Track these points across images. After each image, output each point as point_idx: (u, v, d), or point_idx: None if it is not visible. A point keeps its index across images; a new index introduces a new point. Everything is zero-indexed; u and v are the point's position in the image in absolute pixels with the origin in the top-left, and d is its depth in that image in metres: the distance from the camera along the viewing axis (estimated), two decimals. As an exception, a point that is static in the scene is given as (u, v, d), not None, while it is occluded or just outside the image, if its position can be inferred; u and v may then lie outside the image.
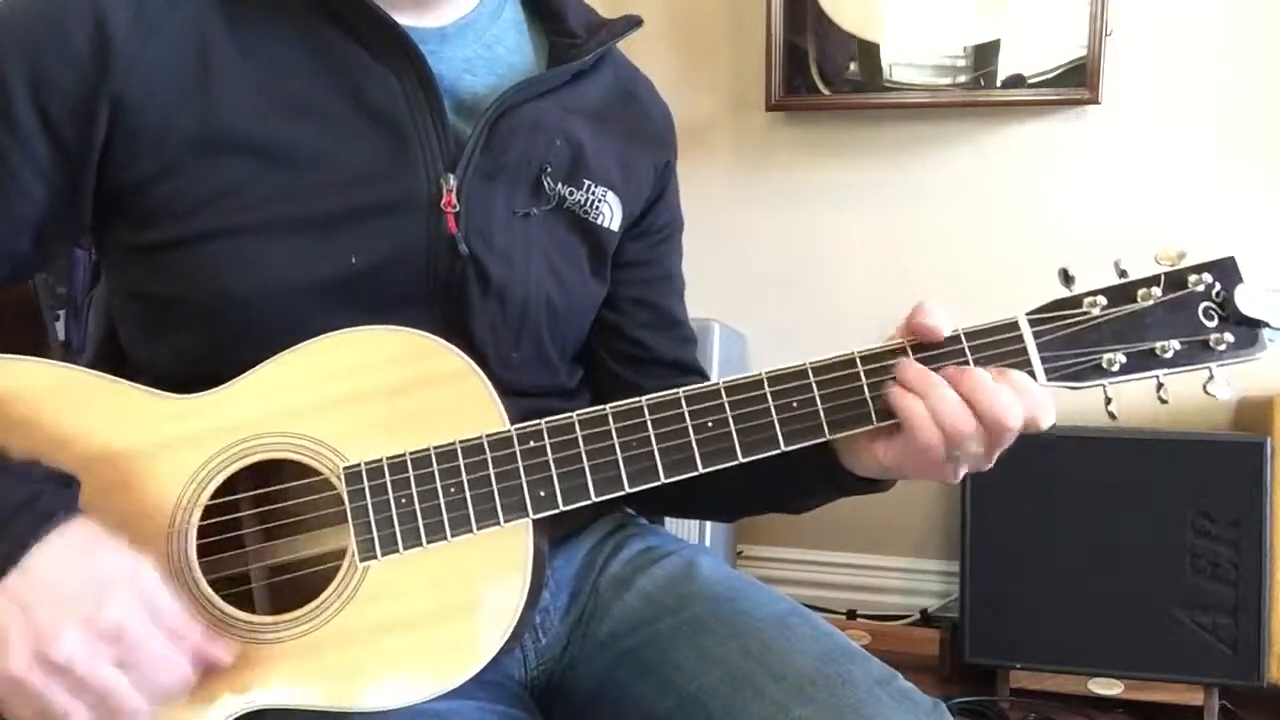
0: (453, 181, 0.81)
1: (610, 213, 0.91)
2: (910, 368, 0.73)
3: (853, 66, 2.17)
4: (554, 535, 0.83)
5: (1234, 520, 1.84)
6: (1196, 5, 2.06)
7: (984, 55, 2.10)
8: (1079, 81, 2.06)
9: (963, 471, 0.75)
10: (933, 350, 0.74)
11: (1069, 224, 2.15)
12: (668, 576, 0.91)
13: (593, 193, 0.89)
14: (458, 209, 0.81)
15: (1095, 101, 2.06)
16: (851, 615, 2.27)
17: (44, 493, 0.68)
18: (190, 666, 0.69)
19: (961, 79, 2.12)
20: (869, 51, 2.15)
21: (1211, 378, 0.74)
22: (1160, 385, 0.74)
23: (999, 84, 2.10)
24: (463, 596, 0.74)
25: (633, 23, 0.93)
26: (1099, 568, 1.89)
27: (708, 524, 1.99)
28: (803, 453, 0.76)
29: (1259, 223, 2.07)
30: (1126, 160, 2.12)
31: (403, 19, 0.81)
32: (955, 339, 0.74)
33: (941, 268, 2.21)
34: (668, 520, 1.13)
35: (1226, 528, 1.85)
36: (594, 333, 0.96)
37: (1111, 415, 0.75)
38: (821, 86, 2.19)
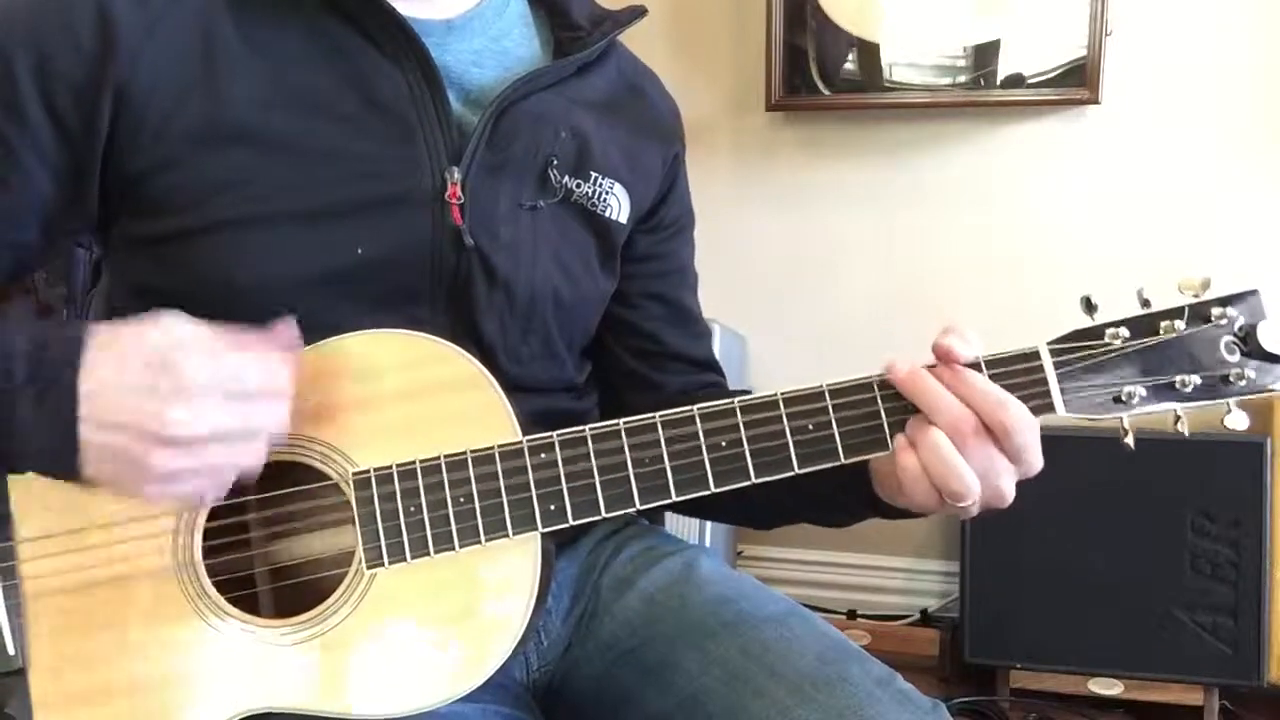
0: (457, 174, 0.81)
1: (618, 205, 0.91)
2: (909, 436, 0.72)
3: (852, 66, 2.17)
4: (556, 538, 0.83)
5: (1234, 520, 1.85)
6: (1196, 5, 2.06)
7: (984, 55, 2.10)
8: (1079, 81, 2.06)
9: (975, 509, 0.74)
10: None
11: (1069, 224, 2.15)
12: (668, 577, 0.91)
13: (599, 185, 0.89)
14: (462, 201, 0.81)
15: (1095, 101, 2.06)
16: (851, 615, 2.27)
17: (47, 328, 0.69)
18: (271, 358, 0.69)
19: (961, 79, 2.12)
20: (869, 51, 2.15)
21: (1229, 411, 0.73)
22: (1178, 418, 0.73)
23: (999, 84, 2.10)
24: (469, 606, 0.74)
25: (636, 13, 0.93)
26: (1099, 568, 1.90)
27: (708, 524, 1.99)
28: (847, 480, 0.76)
29: (1259, 223, 2.07)
30: (1126, 160, 2.12)
31: (408, 11, 0.81)
32: (976, 366, 0.73)
33: (941, 268, 2.21)
34: (668, 520, 1.13)
35: (1226, 528, 1.85)
36: (608, 328, 0.96)
37: (1127, 447, 0.74)
38: (821, 86, 2.19)
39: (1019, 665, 1.96)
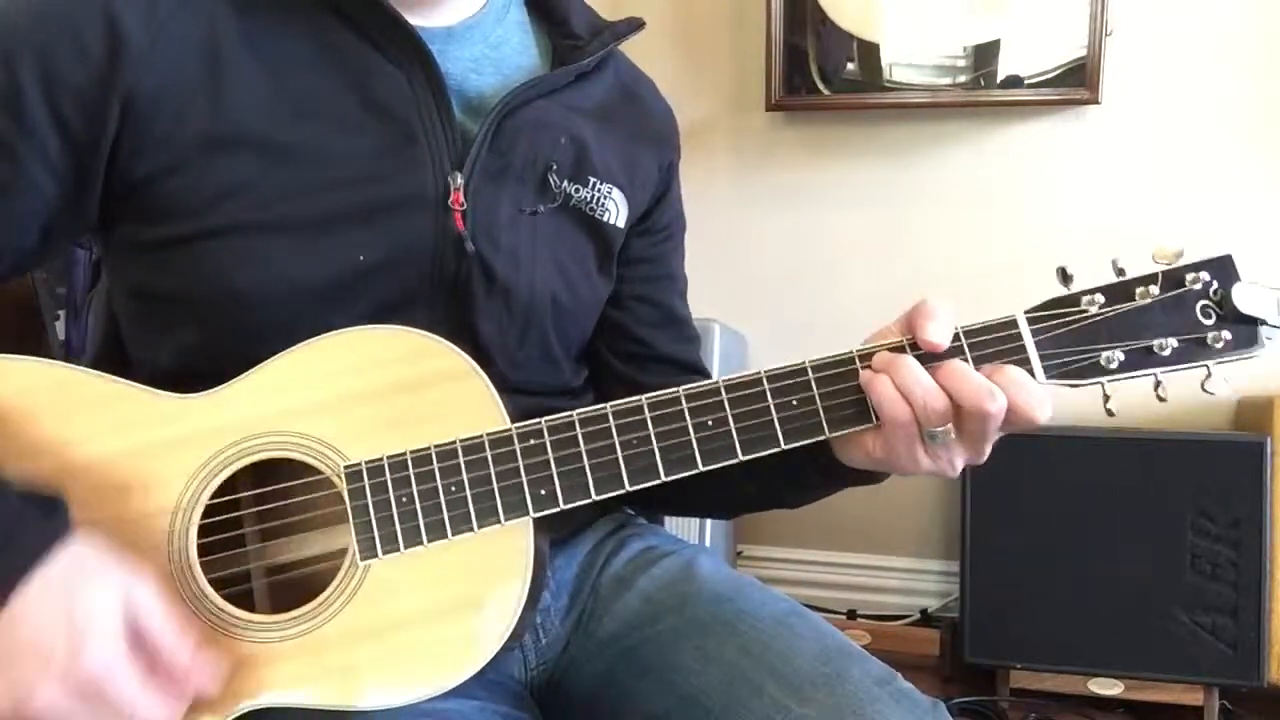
0: (460, 180, 0.81)
1: (616, 209, 0.91)
2: (881, 353, 0.74)
3: (852, 66, 2.17)
4: (555, 536, 0.83)
5: (1234, 520, 1.84)
6: (1196, 5, 2.06)
7: (984, 55, 2.10)
8: (1079, 81, 2.06)
9: (959, 463, 0.75)
10: None
11: (1069, 224, 2.15)
12: (668, 576, 0.91)
13: (598, 190, 0.90)
14: (465, 207, 0.81)
15: (1095, 101, 2.06)
16: (851, 615, 2.27)
17: (26, 525, 0.67)
18: (177, 704, 0.68)
19: (961, 79, 2.12)
20: (869, 51, 2.15)
21: (1209, 375, 0.74)
22: (1158, 383, 0.74)
23: (999, 84, 2.10)
24: (463, 595, 0.74)
25: (635, 25, 0.93)
26: (1099, 568, 1.90)
27: (708, 524, 1.99)
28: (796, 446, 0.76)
29: (1259, 222, 2.07)
30: (1126, 160, 2.12)
31: (410, 18, 0.81)
32: (954, 336, 0.74)
33: (941, 268, 2.21)
34: (668, 520, 1.13)
35: (1226, 528, 1.85)
36: (597, 331, 0.96)
37: (1110, 412, 0.75)
38: (821, 86, 2.19)
39: (1019, 665, 1.96)
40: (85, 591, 0.66)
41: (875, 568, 2.34)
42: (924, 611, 2.28)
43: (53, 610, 0.65)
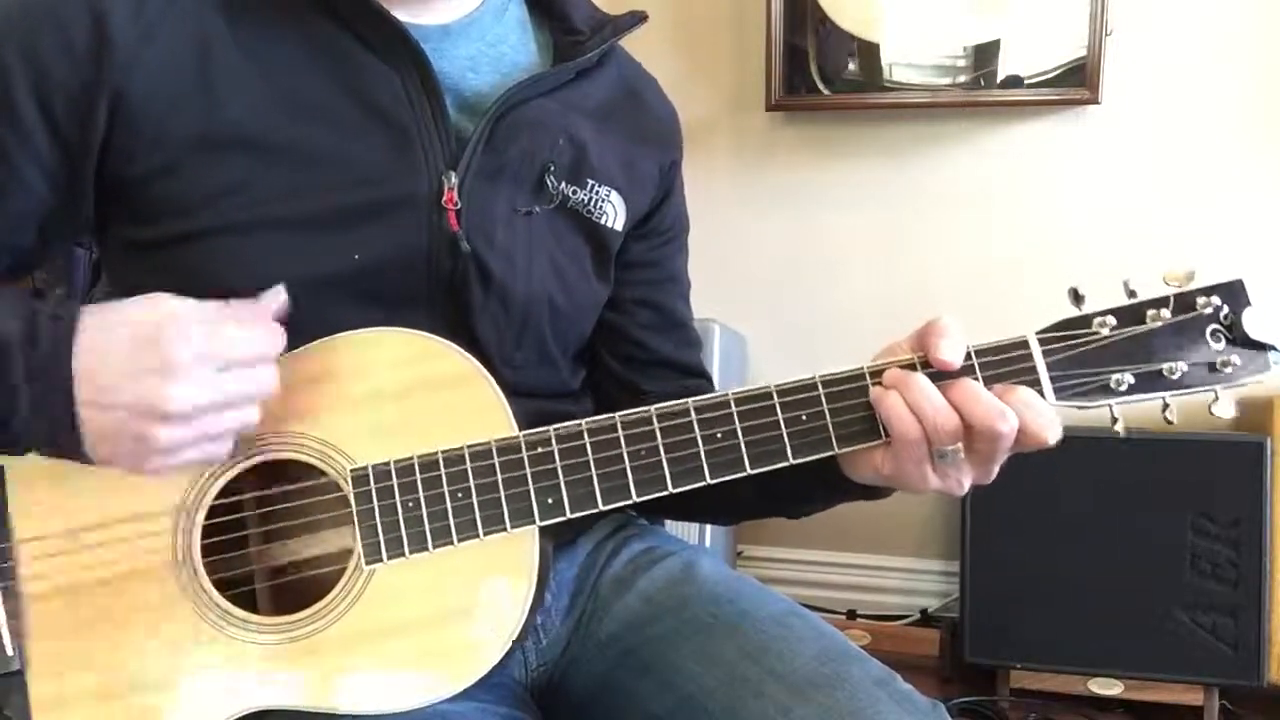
0: (454, 179, 0.81)
1: (614, 212, 0.91)
2: (893, 370, 0.74)
3: (852, 66, 2.17)
4: (556, 538, 0.83)
5: (1234, 520, 1.85)
6: (1196, 5, 2.06)
7: (984, 55, 2.10)
8: (1079, 81, 2.06)
9: (966, 482, 0.75)
10: None
11: (1069, 224, 2.15)
12: (668, 577, 0.91)
13: (596, 192, 0.89)
14: (459, 207, 0.81)
15: (1095, 101, 2.06)
16: (851, 615, 2.27)
17: (37, 312, 0.69)
18: (268, 327, 0.71)
19: (961, 79, 2.12)
20: (869, 51, 2.15)
21: (1217, 399, 0.74)
22: (1166, 406, 0.74)
23: (999, 84, 2.10)
24: (468, 601, 0.74)
25: (637, 18, 0.93)
26: (1099, 568, 1.90)
27: (708, 524, 1.99)
28: (812, 465, 0.76)
29: (1259, 223, 2.07)
30: (1126, 160, 2.12)
31: (404, 16, 0.81)
32: (965, 355, 0.73)
33: (941, 268, 2.21)
34: (668, 521, 1.13)
35: (1226, 528, 1.85)
36: (597, 333, 0.96)
37: (1117, 434, 0.75)
38: (821, 86, 2.19)
39: (1019, 665, 1.96)
40: (127, 315, 0.68)
41: (875, 568, 2.34)
42: (924, 611, 2.28)
43: (117, 341, 0.67)
